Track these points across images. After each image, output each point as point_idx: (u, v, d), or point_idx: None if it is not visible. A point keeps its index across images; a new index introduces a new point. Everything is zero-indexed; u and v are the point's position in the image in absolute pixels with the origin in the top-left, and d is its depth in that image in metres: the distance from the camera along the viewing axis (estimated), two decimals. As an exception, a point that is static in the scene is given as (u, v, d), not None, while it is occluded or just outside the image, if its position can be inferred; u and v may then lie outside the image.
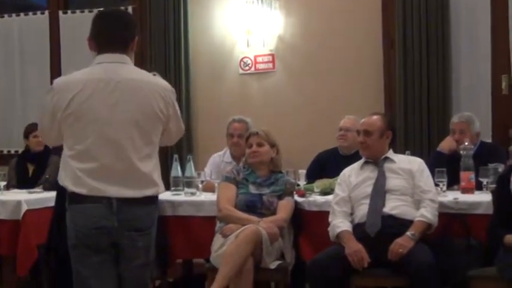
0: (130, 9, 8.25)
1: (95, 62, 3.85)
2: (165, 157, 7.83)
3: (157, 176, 3.87)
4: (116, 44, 3.84)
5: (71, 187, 3.74)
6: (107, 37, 3.85)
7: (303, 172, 6.28)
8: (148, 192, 3.81)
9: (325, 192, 5.80)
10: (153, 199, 3.87)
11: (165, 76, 7.70)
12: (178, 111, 4.02)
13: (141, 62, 8.21)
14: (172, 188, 6.06)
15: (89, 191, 3.72)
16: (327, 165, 6.47)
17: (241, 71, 8.01)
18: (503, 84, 7.25)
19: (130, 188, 3.75)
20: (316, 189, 5.88)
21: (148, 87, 3.83)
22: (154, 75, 3.97)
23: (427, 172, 5.35)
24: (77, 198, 3.74)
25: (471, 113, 6.47)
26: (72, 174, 3.74)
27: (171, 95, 3.93)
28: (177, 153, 6.79)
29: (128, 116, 3.75)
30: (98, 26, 3.90)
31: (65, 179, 3.77)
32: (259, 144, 5.73)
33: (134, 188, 3.76)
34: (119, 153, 3.73)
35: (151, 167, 3.84)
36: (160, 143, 3.96)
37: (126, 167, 3.74)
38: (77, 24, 8.51)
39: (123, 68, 3.83)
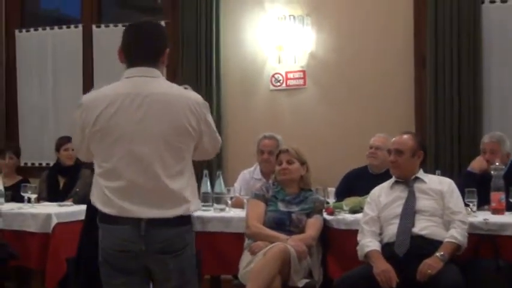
0: (163, 23, 8.29)
1: (124, 76, 3.73)
2: (195, 173, 7.86)
3: (190, 193, 3.67)
4: (145, 56, 3.71)
5: (100, 206, 3.65)
6: (136, 49, 3.73)
7: (332, 190, 6.27)
8: (179, 211, 3.61)
9: (354, 210, 5.79)
10: (184, 219, 3.66)
11: (196, 90, 7.86)
12: (213, 125, 3.80)
13: (172, 78, 8.26)
14: (202, 204, 6.07)
15: (117, 212, 3.60)
16: (356, 184, 6.46)
17: (272, 87, 8.02)
18: (535, 104, 7.21)
19: (159, 207, 3.58)
20: (345, 208, 5.87)
21: (178, 102, 3.66)
22: (186, 88, 3.83)
23: (457, 193, 5.33)
24: (105, 217, 3.64)
25: (502, 133, 6.43)
26: (101, 193, 3.64)
27: (203, 108, 3.72)
28: (207, 169, 6.80)
29: (155, 132, 3.58)
30: (127, 37, 3.78)
31: (94, 198, 3.69)
32: (289, 162, 5.74)
33: (163, 208, 3.58)
34: (147, 171, 3.57)
35: (183, 184, 3.64)
36: (196, 157, 3.81)
37: (154, 185, 3.58)
38: (110, 38, 8.57)
39: (152, 82, 3.68)
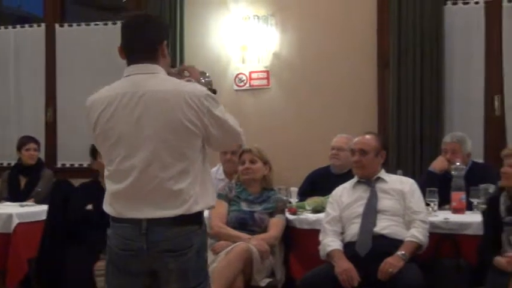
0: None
1: (124, 75, 3.61)
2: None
3: (195, 192, 3.50)
4: (141, 52, 3.58)
5: (107, 208, 3.60)
6: (131, 46, 3.60)
7: (295, 190, 6.30)
8: (179, 211, 3.46)
9: (316, 210, 5.82)
10: (190, 219, 3.51)
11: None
12: (223, 116, 3.57)
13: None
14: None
15: (119, 213, 3.54)
16: (319, 184, 6.48)
17: (236, 87, 8.03)
18: (496, 105, 7.29)
19: (159, 208, 3.46)
20: (307, 207, 5.89)
21: (174, 98, 3.47)
22: (190, 80, 3.71)
23: (418, 193, 5.37)
24: (111, 216, 3.59)
25: (464, 133, 6.49)
26: (108, 194, 3.59)
27: (203, 100, 3.50)
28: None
29: (153, 132, 3.45)
30: (124, 34, 3.63)
31: (105, 197, 3.63)
32: (252, 161, 5.75)
33: (163, 209, 3.46)
34: (146, 172, 3.46)
35: (187, 183, 3.48)
36: (215, 149, 3.73)
37: (154, 186, 3.46)
38: (74, 37, 8.55)
39: (149, 79, 3.53)
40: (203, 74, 3.99)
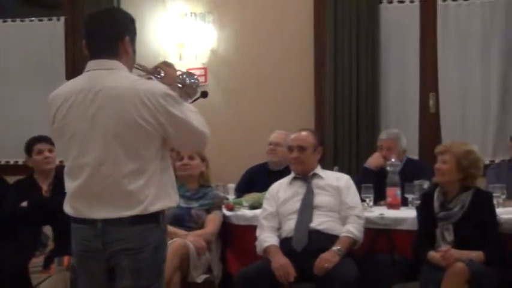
0: (62, 20, 8.22)
1: (85, 70, 3.55)
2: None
3: (150, 192, 3.43)
4: (101, 48, 3.52)
5: (66, 208, 3.57)
6: (91, 41, 3.55)
7: (232, 186, 6.32)
8: (133, 212, 3.41)
9: (253, 206, 5.84)
10: (145, 218, 3.45)
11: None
12: (183, 115, 3.48)
13: (72, 75, 8.17)
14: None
15: (76, 213, 3.51)
16: (256, 180, 6.50)
17: (173, 84, 7.99)
18: (431, 103, 7.38)
19: (112, 208, 3.41)
20: (245, 204, 5.91)
21: (128, 95, 3.40)
22: (150, 78, 3.64)
23: (353, 189, 5.43)
24: (72, 217, 3.55)
25: (399, 130, 6.57)
26: (67, 195, 3.56)
27: (159, 99, 3.41)
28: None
29: (107, 129, 3.39)
30: (86, 29, 3.58)
31: (65, 199, 3.60)
32: (191, 158, 5.75)
33: (117, 208, 3.41)
34: (100, 171, 3.41)
35: (142, 183, 3.42)
36: (180, 149, 3.70)
37: (107, 185, 3.41)
38: (9, 33, 8.42)
39: (107, 75, 3.47)
40: (191, 74, 3.95)
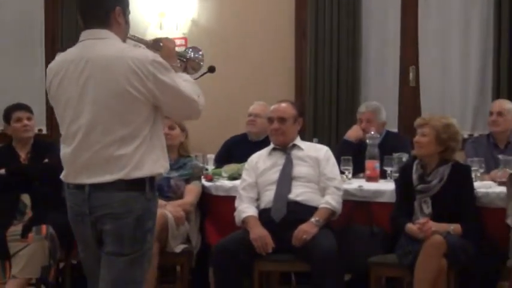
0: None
1: (79, 41, 3.63)
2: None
3: (136, 158, 3.49)
4: (93, 18, 3.58)
5: (62, 174, 3.67)
6: (85, 12, 3.62)
7: (211, 157, 6.31)
8: (117, 175, 3.47)
9: (233, 177, 5.83)
10: (130, 185, 3.51)
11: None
12: (171, 80, 3.53)
13: (52, 43, 8.15)
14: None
15: (65, 178, 3.63)
16: (235, 151, 6.49)
17: (153, 54, 7.95)
18: (411, 76, 7.40)
19: (100, 173, 3.49)
20: (224, 174, 5.90)
21: (117, 63, 3.46)
22: (139, 46, 3.74)
23: (332, 160, 5.43)
24: (66, 183, 3.66)
25: (379, 102, 6.58)
26: (62, 160, 3.66)
27: (148, 66, 3.46)
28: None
29: (96, 97, 3.46)
30: (78, 1, 3.67)
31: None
32: (171, 127, 5.72)
33: (104, 173, 3.48)
34: (89, 137, 3.49)
35: (130, 149, 3.48)
36: (172, 117, 3.87)
37: (96, 150, 3.49)
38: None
39: (97, 44, 3.54)
40: (195, 49, 4.07)
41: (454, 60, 7.30)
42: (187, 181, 5.62)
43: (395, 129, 7.12)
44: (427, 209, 4.97)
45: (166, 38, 3.96)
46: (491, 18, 7.04)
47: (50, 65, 3.68)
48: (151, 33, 7.89)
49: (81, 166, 3.53)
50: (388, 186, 5.45)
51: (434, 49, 7.35)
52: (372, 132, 5.94)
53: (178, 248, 5.35)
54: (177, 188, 5.57)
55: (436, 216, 4.90)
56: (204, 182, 5.75)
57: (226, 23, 7.81)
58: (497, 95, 6.82)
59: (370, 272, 5.06)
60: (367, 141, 5.88)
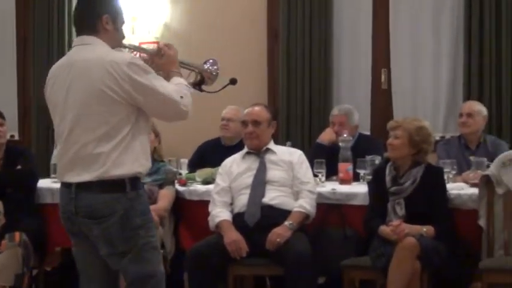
0: (13, 2, 8.13)
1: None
2: (46, 144, 7.75)
3: (114, 156, 3.60)
4: (82, 25, 3.77)
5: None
6: (75, 19, 3.84)
7: (185, 161, 6.30)
8: (96, 173, 3.60)
9: (206, 181, 5.83)
10: (112, 186, 3.63)
11: (47, 61, 7.70)
12: (149, 82, 3.62)
13: (24, 48, 8.10)
14: (53, 175, 5.97)
15: (57, 176, 3.89)
16: (209, 155, 6.48)
17: (125, 58, 7.94)
18: (383, 78, 7.43)
19: (81, 171, 3.62)
20: (197, 179, 5.90)
21: (95, 66, 3.61)
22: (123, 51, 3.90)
23: (306, 164, 5.45)
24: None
25: (351, 105, 6.60)
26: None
27: (123, 67, 3.57)
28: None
29: (76, 98, 3.63)
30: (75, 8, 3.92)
31: None
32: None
33: (86, 172, 3.61)
34: (70, 137, 3.65)
35: (108, 148, 3.59)
36: (157, 118, 3.90)
37: (77, 150, 3.63)
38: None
39: (83, 49, 3.72)
40: (214, 62, 4.33)
41: (425, 62, 7.34)
42: (161, 186, 5.61)
43: (367, 132, 7.15)
44: (401, 211, 4.99)
45: (168, 45, 4.09)
46: (462, 20, 7.08)
47: (53, 67, 3.87)
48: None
49: (65, 165, 3.70)
50: (361, 188, 5.47)
51: (405, 52, 7.39)
52: (345, 135, 5.95)
53: (153, 253, 5.33)
54: (151, 193, 5.55)
55: (409, 218, 4.93)
56: (177, 186, 5.75)
57: (198, 27, 7.80)
58: (467, 97, 6.86)
59: (343, 275, 5.08)
60: (340, 144, 5.89)
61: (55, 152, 3.95)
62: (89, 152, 3.61)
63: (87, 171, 3.61)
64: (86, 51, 3.70)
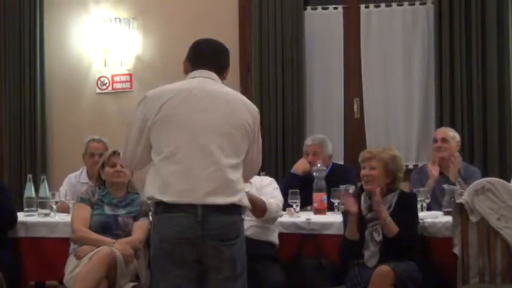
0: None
1: (189, 77, 4.03)
2: (19, 177, 7.70)
3: (242, 186, 3.89)
4: (211, 63, 4.03)
5: (158, 195, 3.79)
6: (205, 58, 4.06)
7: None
8: (235, 199, 3.80)
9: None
10: (238, 209, 3.85)
11: (19, 95, 7.71)
12: (260, 140, 4.07)
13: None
14: (26, 209, 5.94)
15: (175, 198, 3.75)
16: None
17: (98, 90, 7.95)
18: (355, 108, 7.47)
19: (217, 194, 3.75)
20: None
21: (238, 101, 3.94)
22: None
23: (275, 185, 5.51)
24: (163, 207, 3.78)
25: (324, 135, 6.63)
26: (160, 181, 3.79)
27: (257, 115, 3.99)
28: (30, 173, 6.68)
29: (217, 124, 3.81)
30: (197, 49, 4.16)
31: (151, 189, 3.83)
32: (123, 165, 5.69)
33: (221, 194, 3.76)
34: (208, 158, 3.76)
35: (238, 177, 3.85)
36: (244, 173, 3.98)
37: (215, 171, 3.76)
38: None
39: (213, 83, 3.95)
40: None
41: (397, 92, 7.43)
42: (135, 218, 5.58)
43: (341, 161, 7.18)
44: (378, 237, 4.98)
45: None
46: (432, 47, 7.17)
47: (156, 91, 3.99)
48: (96, 70, 7.89)
49: (198, 186, 3.75)
50: (335, 218, 5.48)
51: (377, 81, 7.46)
52: (319, 165, 5.97)
53: (128, 286, 5.28)
54: (125, 226, 5.53)
55: (386, 243, 4.94)
56: (151, 218, 5.71)
57: (170, 58, 7.79)
58: (440, 125, 6.91)
59: (320, 305, 5.07)
60: (314, 173, 5.91)
61: (166, 167, 3.79)
62: (226, 176, 3.77)
63: (223, 195, 3.75)
64: (219, 86, 3.97)
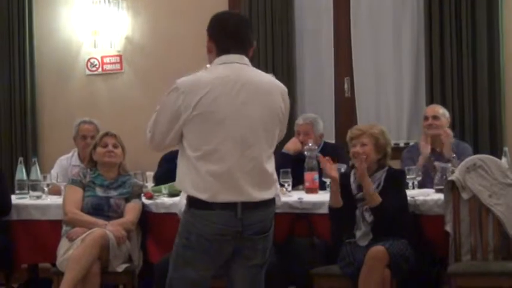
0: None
1: (218, 63, 3.85)
2: (10, 160, 7.68)
3: (275, 176, 3.90)
4: (241, 44, 3.84)
5: (197, 194, 3.71)
6: (233, 40, 3.85)
7: (150, 174, 6.27)
8: (272, 193, 3.83)
9: (173, 193, 5.80)
10: (273, 200, 3.87)
11: (9, 78, 7.69)
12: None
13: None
14: (17, 192, 5.94)
15: (213, 196, 3.69)
16: (175, 167, 6.44)
17: (88, 72, 7.93)
18: (346, 87, 7.46)
19: (257, 189, 3.74)
20: (164, 191, 5.87)
21: (274, 89, 3.85)
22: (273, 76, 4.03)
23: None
24: (201, 203, 3.71)
25: (316, 114, 6.63)
26: (200, 180, 3.71)
27: (287, 100, 3.94)
28: (22, 155, 6.66)
29: (255, 117, 3.74)
30: (223, 27, 3.92)
31: (189, 185, 3.76)
32: (115, 146, 5.70)
33: (261, 189, 3.76)
34: (248, 154, 3.71)
35: (273, 166, 3.86)
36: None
37: (254, 167, 3.73)
38: None
39: (246, 69, 3.83)
40: None
41: (387, 70, 7.40)
42: (127, 199, 5.59)
43: (332, 140, 7.17)
44: (369, 217, 5.00)
45: None
46: (422, 24, 7.14)
47: (193, 82, 3.86)
48: (86, 51, 7.86)
49: (239, 183, 3.70)
50: (327, 197, 5.45)
51: (367, 60, 7.43)
52: (310, 144, 5.97)
53: (120, 268, 5.32)
54: (117, 207, 5.54)
55: (377, 223, 4.95)
56: (144, 199, 5.72)
57: (160, 39, 7.80)
58: (431, 102, 6.90)
59: (313, 284, 5.08)
60: (306, 153, 5.91)
61: (204, 166, 3.69)
62: (265, 170, 3.77)
63: (263, 189, 3.77)
64: (252, 72, 3.84)
